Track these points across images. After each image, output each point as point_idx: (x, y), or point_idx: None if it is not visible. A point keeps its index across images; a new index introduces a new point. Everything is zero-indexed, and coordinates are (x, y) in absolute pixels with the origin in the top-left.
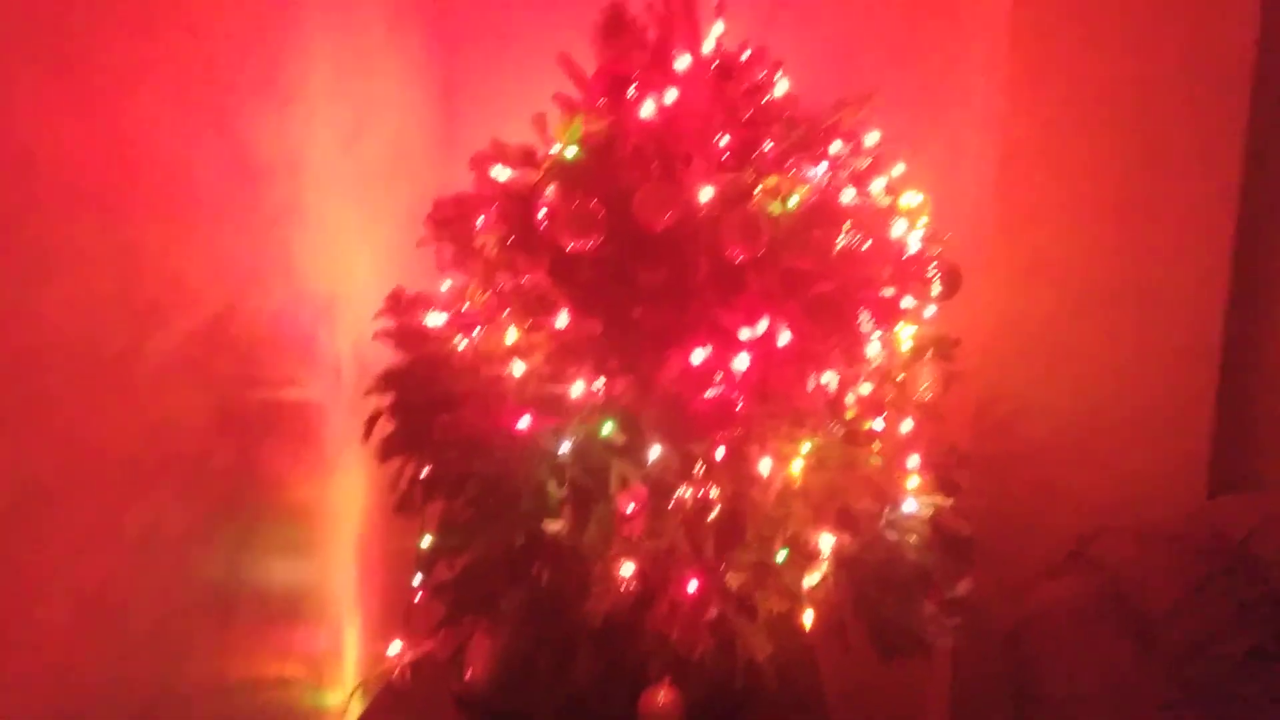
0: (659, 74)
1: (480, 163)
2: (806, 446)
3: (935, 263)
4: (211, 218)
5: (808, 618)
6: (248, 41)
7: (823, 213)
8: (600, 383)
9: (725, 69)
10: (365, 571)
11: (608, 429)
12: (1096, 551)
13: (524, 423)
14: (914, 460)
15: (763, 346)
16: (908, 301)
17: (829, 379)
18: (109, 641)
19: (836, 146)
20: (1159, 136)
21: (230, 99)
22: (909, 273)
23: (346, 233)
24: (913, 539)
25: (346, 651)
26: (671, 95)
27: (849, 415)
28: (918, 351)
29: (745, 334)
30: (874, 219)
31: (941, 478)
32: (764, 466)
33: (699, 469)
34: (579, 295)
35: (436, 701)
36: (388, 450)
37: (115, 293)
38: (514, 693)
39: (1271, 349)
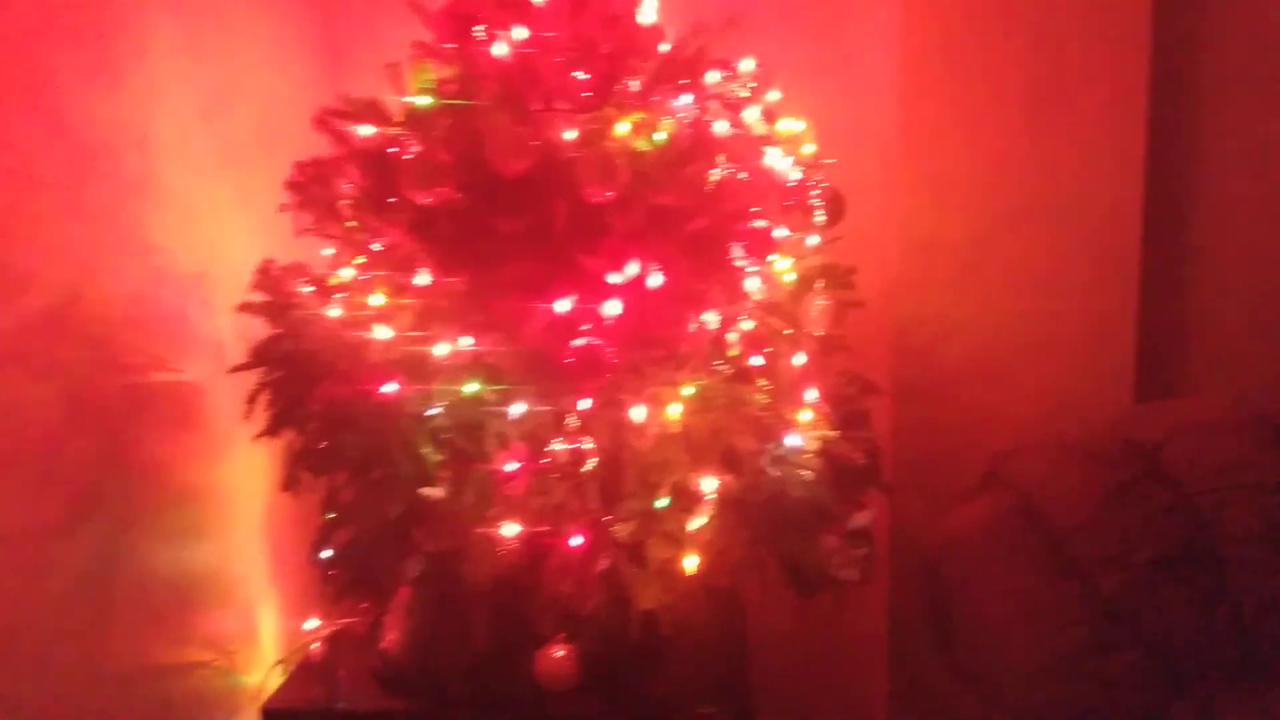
0: (507, 10)
1: (324, 120)
2: (689, 389)
3: (817, 190)
4: (42, 200)
5: (690, 563)
6: (67, 10)
7: (691, 146)
8: (466, 341)
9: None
10: (277, 549)
11: (472, 388)
12: (1011, 469)
13: (390, 388)
14: (812, 394)
15: (635, 290)
16: (781, 232)
17: (709, 318)
18: None
19: (713, 76)
20: (1065, 43)
21: (52, 74)
22: (782, 203)
23: (215, 207)
24: (805, 474)
25: (263, 631)
26: (521, 32)
27: (732, 354)
28: (805, 282)
29: (614, 278)
30: (747, 149)
31: (846, 409)
32: (637, 414)
33: (571, 422)
34: (440, 252)
35: (355, 674)
36: (266, 427)
37: None
38: (425, 661)
39: (1195, 258)
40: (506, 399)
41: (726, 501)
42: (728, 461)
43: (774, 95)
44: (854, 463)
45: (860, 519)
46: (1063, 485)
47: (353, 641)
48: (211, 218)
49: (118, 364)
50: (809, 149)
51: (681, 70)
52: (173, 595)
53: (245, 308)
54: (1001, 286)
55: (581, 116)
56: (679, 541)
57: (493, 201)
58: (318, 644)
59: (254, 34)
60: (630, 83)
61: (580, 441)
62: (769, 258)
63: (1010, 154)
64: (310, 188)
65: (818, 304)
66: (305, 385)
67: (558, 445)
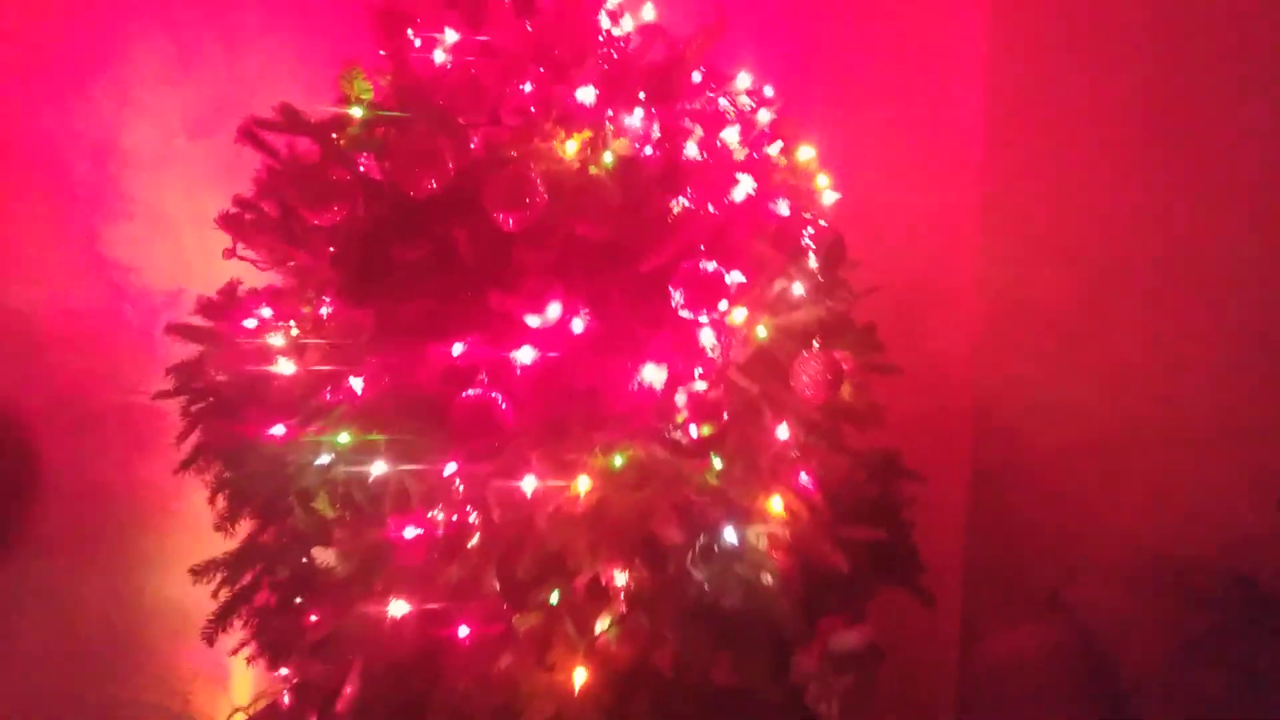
0: (444, 10)
1: (250, 132)
2: (617, 460)
3: (810, 231)
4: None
5: (578, 677)
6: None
7: (647, 172)
8: (356, 384)
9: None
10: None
11: (343, 439)
12: (1077, 595)
13: (277, 431)
14: (801, 478)
15: (556, 337)
16: (734, 277)
17: (651, 375)
18: None
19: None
20: (1184, 73)
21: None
22: (735, 242)
23: (199, 225)
24: (765, 577)
25: (233, 673)
26: (452, 35)
27: (680, 419)
28: (795, 338)
29: (533, 321)
30: (716, 178)
31: (856, 497)
32: (526, 485)
33: (457, 487)
34: (347, 281)
35: None
36: (188, 457)
37: None
38: None
39: None
40: (399, 454)
41: (640, 603)
42: (646, 554)
43: (765, 117)
44: (832, 566)
45: (845, 640)
46: (1135, 625)
47: (319, 696)
48: (194, 236)
49: (51, 381)
50: (822, 182)
51: (649, 81)
52: (109, 631)
53: (170, 329)
54: (1106, 359)
55: (512, 132)
56: (573, 647)
57: (397, 226)
58: (286, 694)
59: (250, 49)
60: (582, 93)
61: (466, 512)
62: (719, 307)
63: (1116, 202)
64: (242, 206)
65: (812, 366)
66: (224, 418)
67: (438, 514)
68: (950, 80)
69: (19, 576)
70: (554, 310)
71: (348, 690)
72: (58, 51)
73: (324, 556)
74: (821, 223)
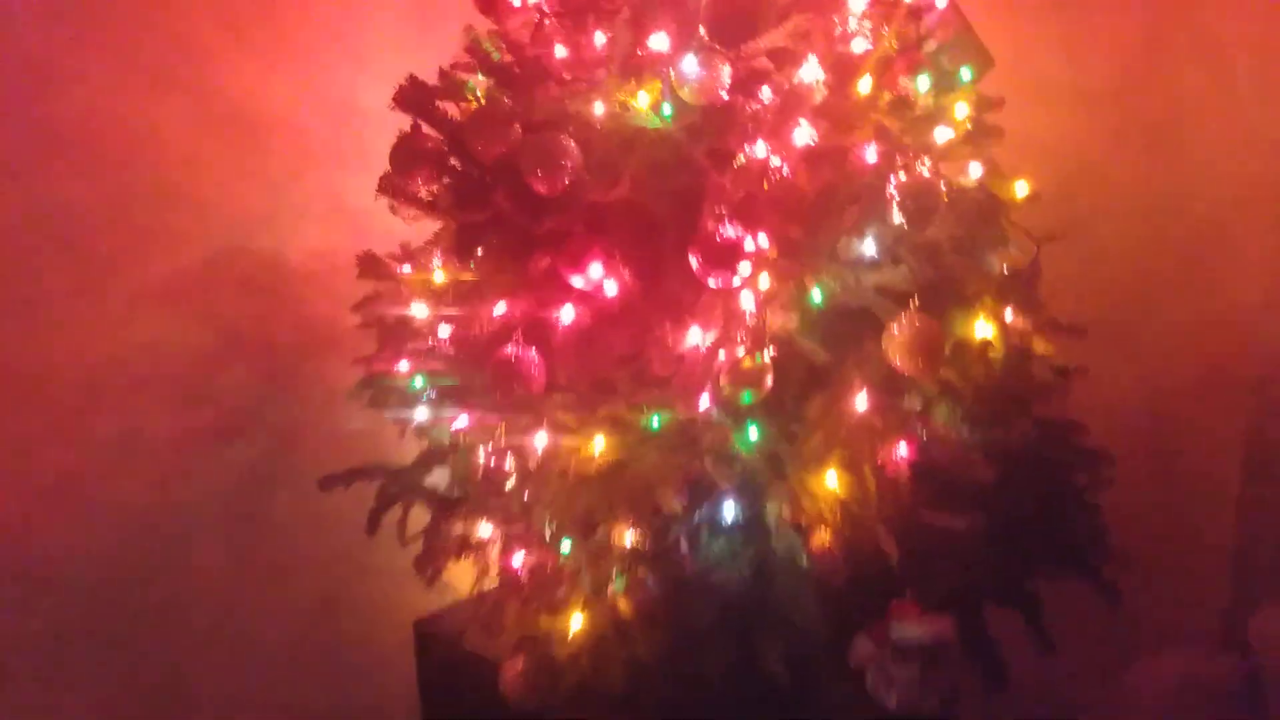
0: None
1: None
2: (656, 420)
3: (894, 182)
4: (206, 171)
5: (572, 625)
6: None
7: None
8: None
9: None
10: None
11: (418, 382)
12: (1260, 630)
13: (403, 366)
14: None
15: (595, 297)
16: (759, 242)
17: (694, 338)
18: None
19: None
20: None
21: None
22: (763, 203)
23: None
24: (800, 558)
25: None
26: None
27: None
28: (882, 299)
29: (577, 281)
30: (776, 122)
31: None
32: (539, 440)
33: (499, 434)
34: (451, 241)
35: None
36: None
37: None
38: None
39: None
40: (461, 399)
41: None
42: (653, 519)
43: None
44: (877, 554)
45: (909, 629)
46: None
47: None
48: None
49: (287, 309)
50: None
51: (718, 20)
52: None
53: (360, 264)
54: None
55: (553, 91)
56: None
57: (469, 190)
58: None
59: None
60: (654, 39)
61: (503, 456)
62: (740, 272)
63: None
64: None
65: (898, 333)
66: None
67: (480, 456)
68: None
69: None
70: (595, 271)
71: None
72: (299, 24)
73: (434, 477)
74: (922, 168)
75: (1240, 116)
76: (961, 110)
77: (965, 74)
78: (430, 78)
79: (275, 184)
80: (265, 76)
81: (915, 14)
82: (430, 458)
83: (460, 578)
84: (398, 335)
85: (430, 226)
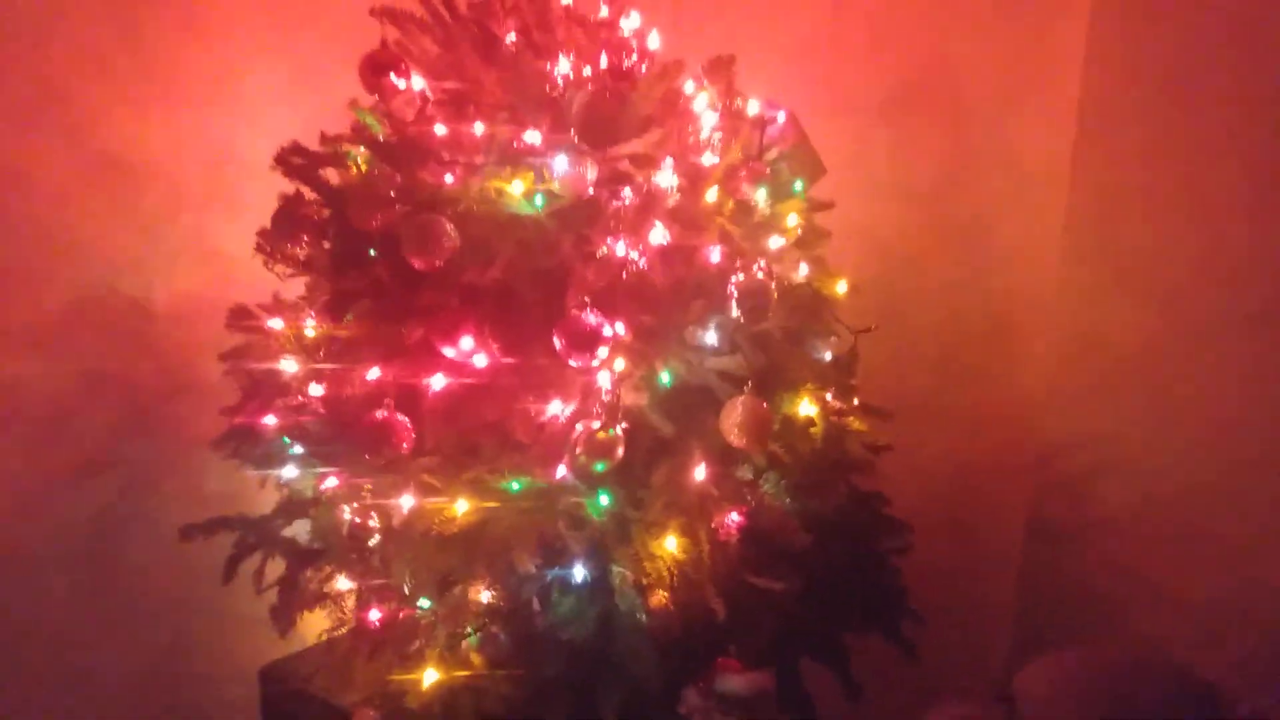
0: (415, 59)
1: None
2: (514, 485)
3: (734, 281)
4: (72, 210)
5: (426, 678)
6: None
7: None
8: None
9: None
10: None
11: (287, 440)
12: (1021, 683)
13: (269, 420)
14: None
15: (463, 367)
16: (616, 329)
17: (554, 410)
18: None
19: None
20: None
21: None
22: (622, 293)
23: None
24: (638, 615)
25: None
26: (418, 82)
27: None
28: (724, 382)
29: (449, 352)
30: (631, 225)
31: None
32: (404, 501)
33: (365, 493)
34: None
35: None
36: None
37: None
38: None
39: None
40: (329, 459)
41: (499, 621)
42: (509, 578)
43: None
44: (707, 612)
45: (732, 682)
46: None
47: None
48: None
49: (151, 352)
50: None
51: (589, 125)
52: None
53: (230, 318)
54: (1182, 410)
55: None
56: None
57: (350, 257)
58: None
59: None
60: (529, 134)
61: (368, 515)
62: (599, 355)
63: (1219, 230)
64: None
65: (734, 412)
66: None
67: (346, 512)
68: (1039, 95)
69: (134, 509)
70: (466, 343)
71: None
72: (177, 71)
73: (296, 530)
74: (758, 269)
75: (1035, 221)
76: (793, 219)
77: (798, 185)
78: (304, 132)
79: (146, 227)
80: (141, 122)
81: (759, 124)
82: (290, 509)
83: (311, 628)
84: (265, 389)
85: (301, 280)
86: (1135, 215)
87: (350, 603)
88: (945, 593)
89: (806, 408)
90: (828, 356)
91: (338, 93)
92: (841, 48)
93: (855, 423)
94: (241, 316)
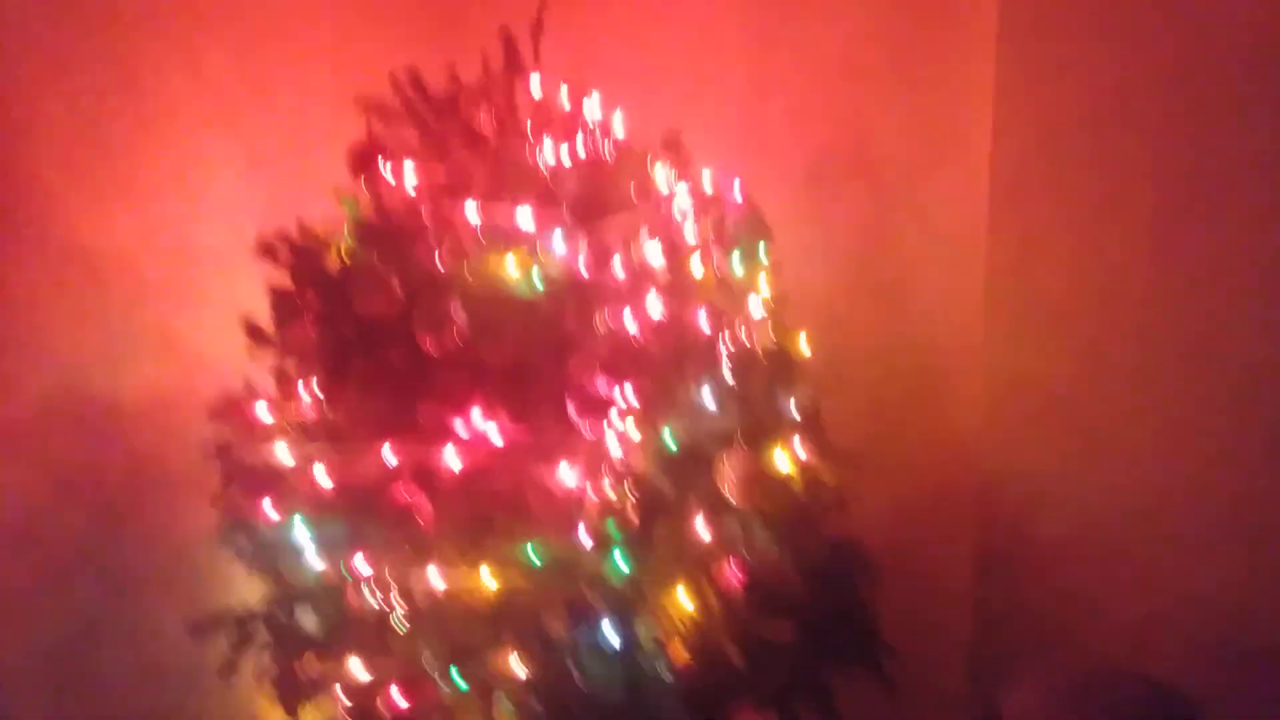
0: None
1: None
2: (534, 554)
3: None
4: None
5: None
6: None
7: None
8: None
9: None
10: None
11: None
12: (1009, 706)
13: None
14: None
15: (476, 443)
16: (624, 393)
17: (565, 477)
18: None
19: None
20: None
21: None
22: (628, 359)
23: None
24: (661, 671)
25: None
26: (409, 170)
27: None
28: (714, 442)
29: (460, 428)
30: (626, 298)
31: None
32: (432, 576)
33: (385, 571)
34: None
35: None
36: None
37: None
38: None
39: None
40: (344, 539)
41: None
42: (540, 645)
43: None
44: (722, 661)
45: None
46: None
47: None
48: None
49: (119, 449)
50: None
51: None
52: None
53: (213, 411)
54: (1107, 444)
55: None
56: None
57: (357, 340)
58: None
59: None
60: (520, 216)
61: (385, 594)
62: (610, 418)
63: (1128, 274)
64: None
65: (729, 469)
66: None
67: (367, 594)
68: (952, 158)
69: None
70: (476, 419)
71: None
72: (138, 168)
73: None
74: (742, 335)
75: (959, 276)
76: (763, 283)
77: (761, 249)
78: (262, 219)
79: (110, 322)
80: (104, 217)
81: (717, 194)
82: (289, 597)
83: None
84: (258, 477)
85: (267, 367)
86: (1051, 265)
87: (362, 688)
88: (903, 630)
89: (785, 461)
90: (796, 414)
91: (291, 175)
92: (764, 121)
93: (826, 473)
94: (226, 409)
